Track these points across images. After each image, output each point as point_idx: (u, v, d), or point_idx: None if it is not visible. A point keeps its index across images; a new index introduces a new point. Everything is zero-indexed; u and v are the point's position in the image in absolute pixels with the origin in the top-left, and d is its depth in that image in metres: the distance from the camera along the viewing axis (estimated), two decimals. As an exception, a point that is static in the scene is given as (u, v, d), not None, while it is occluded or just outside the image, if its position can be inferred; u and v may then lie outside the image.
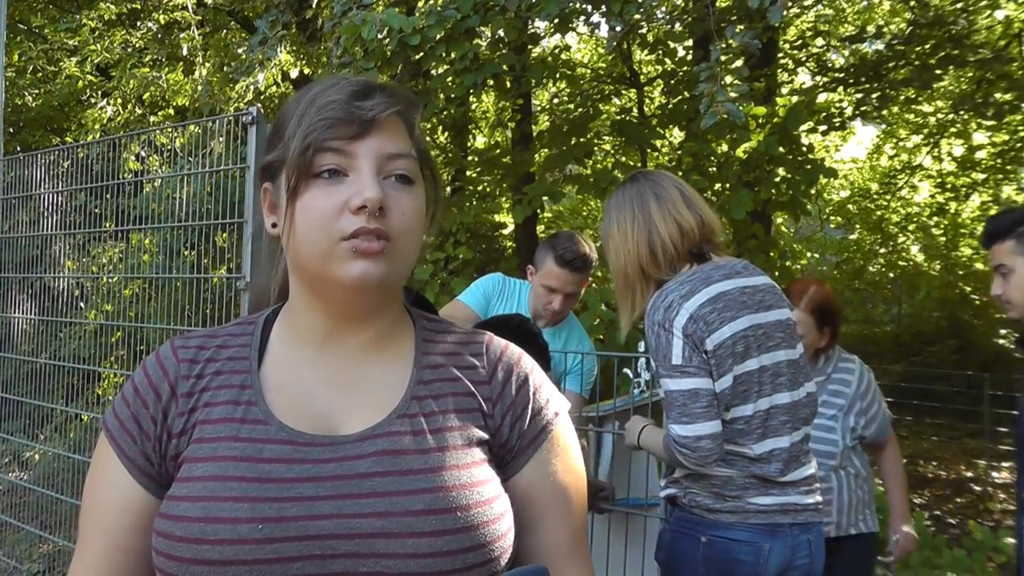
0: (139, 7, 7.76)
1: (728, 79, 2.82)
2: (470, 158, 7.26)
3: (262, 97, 6.76)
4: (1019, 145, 7.82)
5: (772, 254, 5.44)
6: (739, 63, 3.14)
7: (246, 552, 0.76)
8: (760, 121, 5.02)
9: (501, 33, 4.11)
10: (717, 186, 5.15)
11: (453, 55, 3.74)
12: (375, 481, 0.80)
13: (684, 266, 1.87)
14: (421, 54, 3.72)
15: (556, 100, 7.50)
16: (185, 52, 7.26)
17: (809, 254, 10.30)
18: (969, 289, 10.24)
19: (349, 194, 0.82)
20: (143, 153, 4.46)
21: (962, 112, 7.29)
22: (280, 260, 0.94)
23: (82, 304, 4.10)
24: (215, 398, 0.86)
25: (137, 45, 7.37)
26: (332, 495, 0.79)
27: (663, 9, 4.86)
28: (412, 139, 0.88)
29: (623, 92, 7.16)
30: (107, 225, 3.59)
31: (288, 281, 0.93)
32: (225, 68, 6.77)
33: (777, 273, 5.28)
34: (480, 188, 6.82)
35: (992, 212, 9.82)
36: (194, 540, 0.77)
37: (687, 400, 1.72)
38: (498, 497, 0.84)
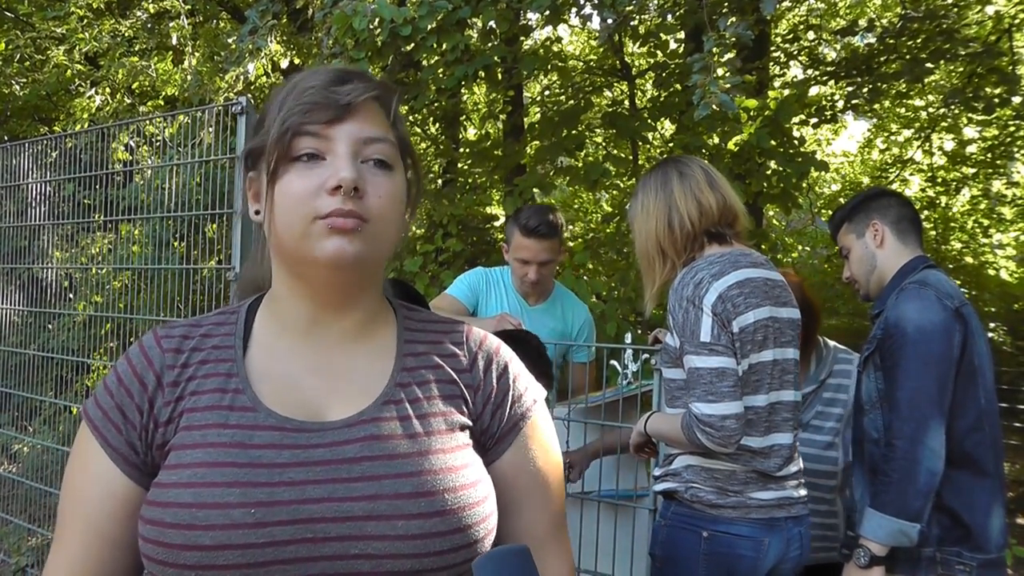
0: (128, -4, 7.70)
1: (720, 71, 2.82)
2: (461, 150, 7.23)
3: (252, 87, 6.72)
4: (1009, 139, 7.83)
5: (763, 247, 5.45)
6: (731, 55, 3.13)
7: (239, 536, 0.77)
8: (751, 114, 5.02)
9: (492, 24, 4.10)
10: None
11: (444, 46, 3.72)
12: (364, 465, 0.82)
13: (701, 246, 1.87)
14: (412, 45, 3.70)
15: (547, 92, 7.46)
16: (175, 41, 7.21)
17: (800, 247, 10.31)
18: (959, 282, 10.29)
19: (325, 176, 0.83)
20: (132, 143, 4.44)
21: (953, 106, 7.30)
22: (266, 248, 0.95)
23: (71, 295, 4.08)
24: (202, 386, 0.87)
25: (126, 34, 7.29)
26: (323, 479, 0.81)
27: (655, 1, 4.85)
28: (391, 126, 0.90)
29: (614, 84, 7.14)
30: (96, 216, 3.57)
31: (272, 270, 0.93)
32: (215, 58, 6.72)
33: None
34: (471, 180, 6.80)
35: (982, 206, 9.90)
36: (185, 526, 0.77)
37: (714, 378, 1.70)
38: (481, 480, 0.86)
